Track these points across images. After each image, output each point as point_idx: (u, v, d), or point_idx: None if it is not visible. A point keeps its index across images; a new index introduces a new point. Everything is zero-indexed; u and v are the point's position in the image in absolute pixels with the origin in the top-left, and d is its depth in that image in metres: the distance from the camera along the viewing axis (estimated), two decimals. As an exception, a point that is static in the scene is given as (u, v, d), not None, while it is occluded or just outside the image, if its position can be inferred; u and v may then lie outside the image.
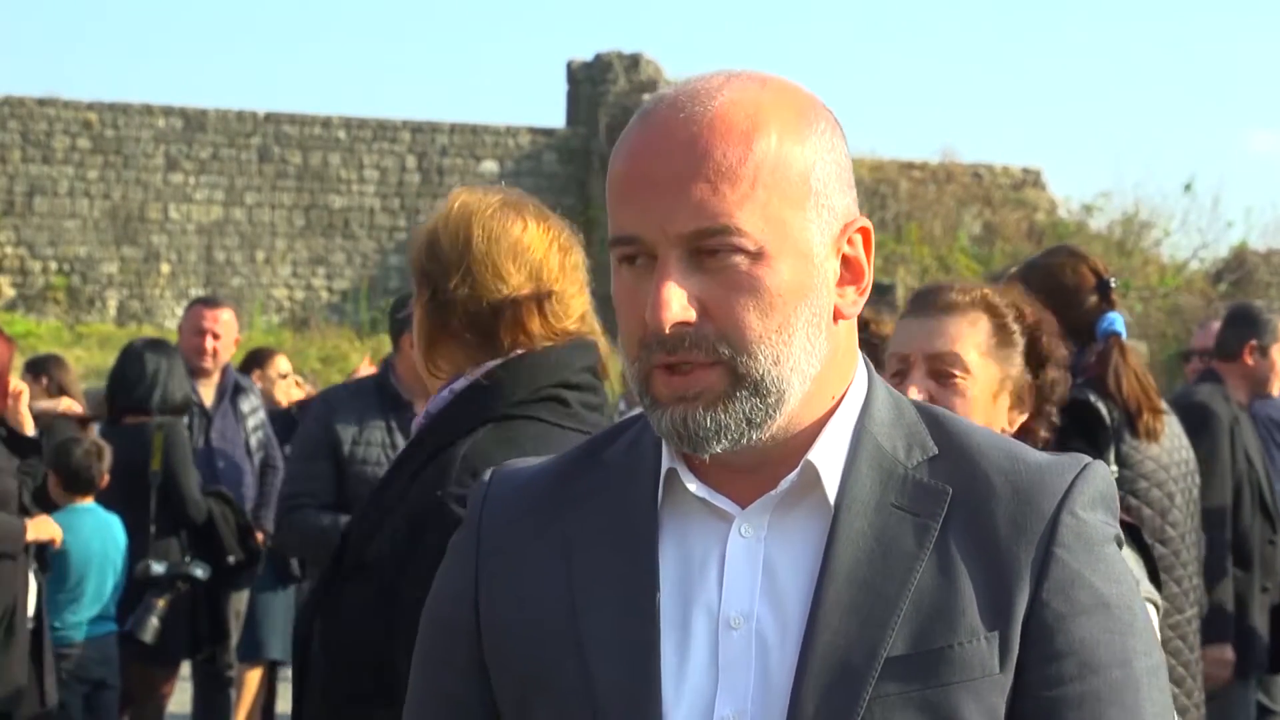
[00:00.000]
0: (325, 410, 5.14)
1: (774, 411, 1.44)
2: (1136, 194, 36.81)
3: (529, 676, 1.49)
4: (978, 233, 26.04)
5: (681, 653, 1.45)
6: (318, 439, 5.03)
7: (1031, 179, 27.63)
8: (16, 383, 5.77)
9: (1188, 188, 42.46)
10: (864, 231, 1.49)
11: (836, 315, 1.48)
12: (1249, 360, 5.62)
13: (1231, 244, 28.70)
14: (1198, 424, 5.45)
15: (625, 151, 1.46)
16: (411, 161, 25.37)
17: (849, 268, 1.49)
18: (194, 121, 24.52)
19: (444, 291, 2.40)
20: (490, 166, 25.46)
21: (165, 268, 24.34)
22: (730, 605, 1.45)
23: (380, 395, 5.11)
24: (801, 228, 1.44)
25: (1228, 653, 5.32)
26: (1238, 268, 27.39)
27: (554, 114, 36.24)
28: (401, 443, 4.88)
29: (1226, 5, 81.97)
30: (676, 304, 1.41)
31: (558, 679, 1.47)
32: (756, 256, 1.41)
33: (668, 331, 1.41)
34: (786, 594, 1.45)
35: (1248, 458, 5.47)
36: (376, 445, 5.00)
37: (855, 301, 1.50)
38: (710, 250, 1.41)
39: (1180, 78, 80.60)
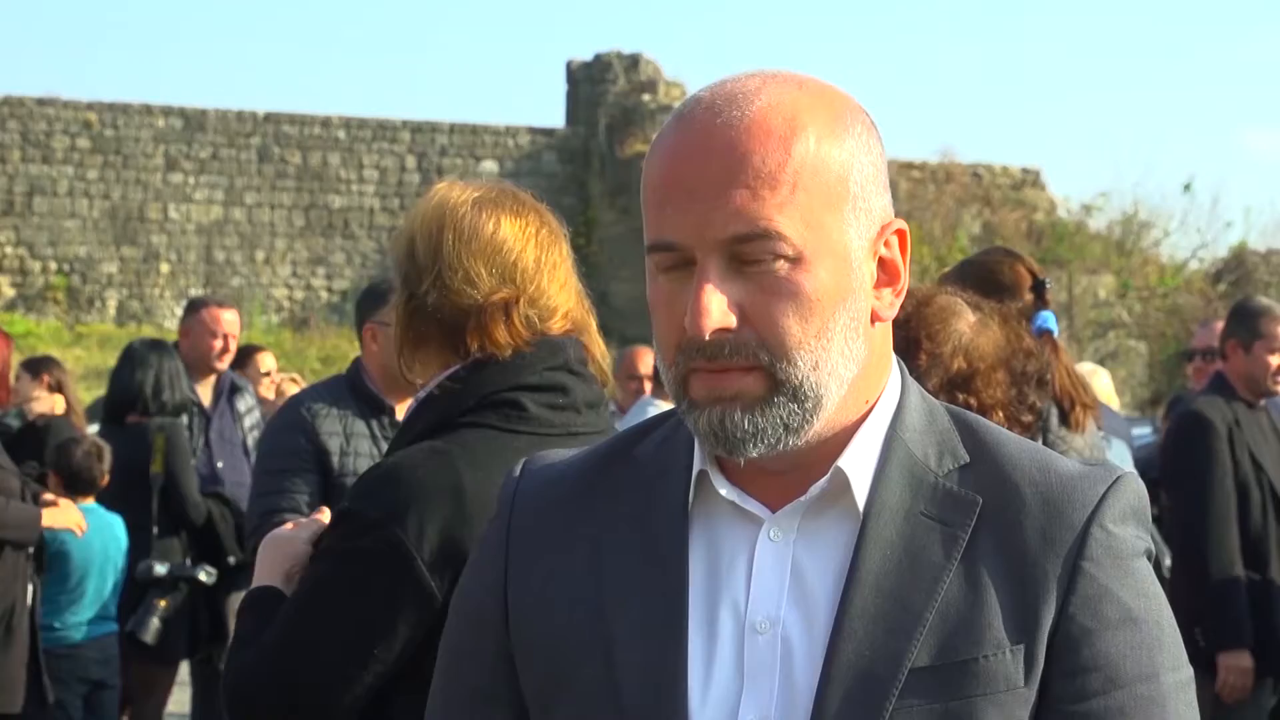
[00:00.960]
0: (305, 418, 4.68)
1: (811, 417, 1.43)
2: (1136, 194, 36.89)
3: (554, 673, 1.49)
4: (977, 233, 26.03)
5: (707, 656, 1.44)
6: (299, 448, 4.63)
7: (1031, 179, 27.64)
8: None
9: (1187, 188, 42.58)
10: (900, 233, 1.49)
11: (874, 318, 1.48)
12: (1233, 359, 5.60)
13: (1231, 244, 28.73)
14: (1192, 433, 5.45)
15: (661, 156, 1.45)
16: (411, 161, 25.37)
17: (885, 270, 1.48)
18: (194, 121, 24.52)
19: (417, 296, 2.35)
20: (490, 166, 25.45)
21: (165, 268, 24.34)
22: (757, 609, 1.45)
23: (357, 399, 4.75)
24: (840, 231, 1.43)
25: (1245, 659, 5.28)
26: (1237, 267, 27.39)
27: (554, 114, 36.26)
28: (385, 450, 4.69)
29: (1224, 5, 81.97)
30: (716, 311, 1.40)
31: (583, 677, 1.47)
32: (796, 261, 1.41)
33: (708, 338, 1.40)
34: (813, 599, 1.44)
35: (1254, 460, 5.43)
36: (365, 456, 4.64)
37: (892, 304, 1.49)
38: (750, 255, 1.40)
39: (1179, 78, 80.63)
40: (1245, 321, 5.60)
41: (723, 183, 1.40)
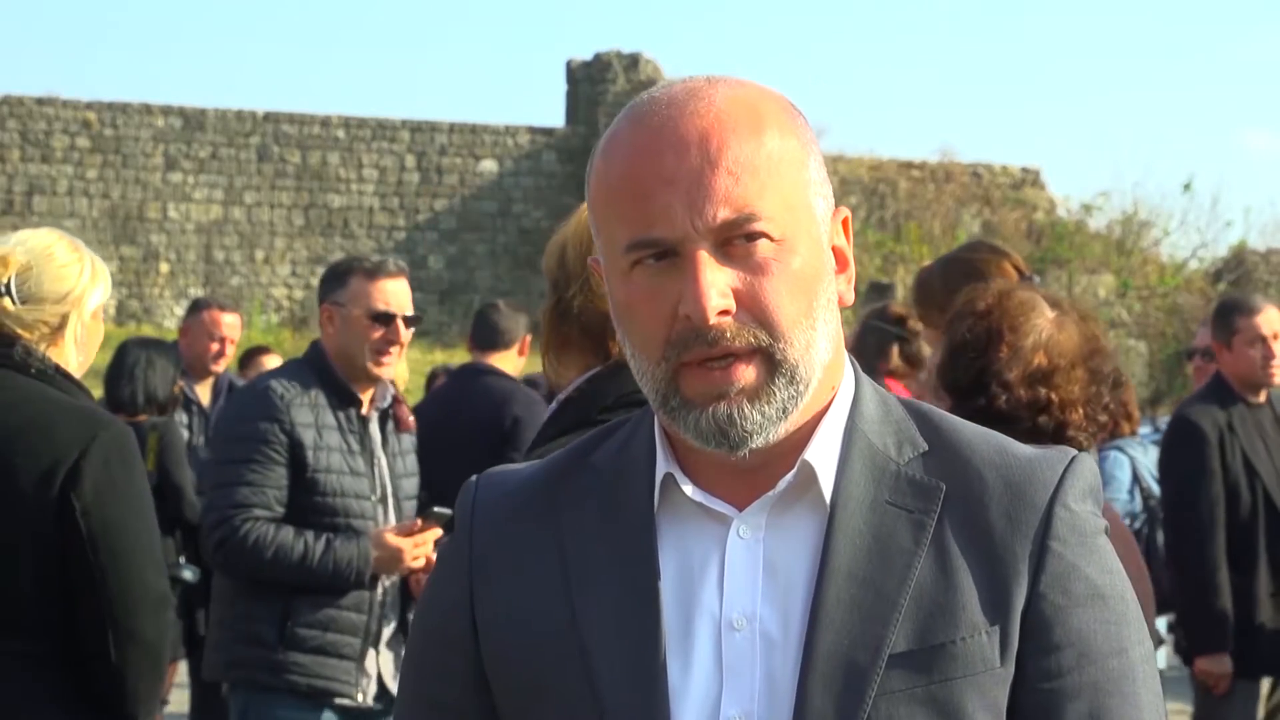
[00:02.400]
0: (278, 406, 4.25)
1: (800, 401, 1.45)
2: (1135, 193, 36.93)
3: (530, 684, 1.48)
4: (977, 232, 26.03)
5: (685, 656, 1.44)
6: (271, 438, 4.22)
7: (1030, 178, 27.65)
8: None
9: (1187, 187, 42.67)
10: (845, 221, 1.53)
11: (839, 302, 1.51)
12: (1222, 359, 5.67)
13: (1230, 243, 28.79)
14: (1181, 440, 5.55)
15: (625, 153, 1.45)
16: (410, 161, 25.38)
17: (836, 256, 1.51)
18: (193, 121, 24.52)
19: (564, 300, 2.47)
20: (489, 166, 25.47)
21: (164, 267, 24.35)
22: (732, 607, 1.45)
23: (325, 388, 4.33)
24: (810, 214, 1.47)
25: (1224, 663, 5.36)
26: (1237, 267, 27.42)
27: (554, 114, 36.30)
28: (354, 444, 4.33)
29: (1224, 5, 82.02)
30: (717, 293, 1.41)
31: (561, 686, 1.46)
32: (780, 243, 1.43)
33: (712, 321, 1.41)
34: (788, 593, 1.45)
35: (1247, 463, 5.48)
36: (336, 450, 4.30)
37: (848, 289, 1.52)
38: (738, 240, 1.42)
39: (1179, 78, 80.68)
40: (1220, 321, 5.68)
41: (704, 171, 1.42)
